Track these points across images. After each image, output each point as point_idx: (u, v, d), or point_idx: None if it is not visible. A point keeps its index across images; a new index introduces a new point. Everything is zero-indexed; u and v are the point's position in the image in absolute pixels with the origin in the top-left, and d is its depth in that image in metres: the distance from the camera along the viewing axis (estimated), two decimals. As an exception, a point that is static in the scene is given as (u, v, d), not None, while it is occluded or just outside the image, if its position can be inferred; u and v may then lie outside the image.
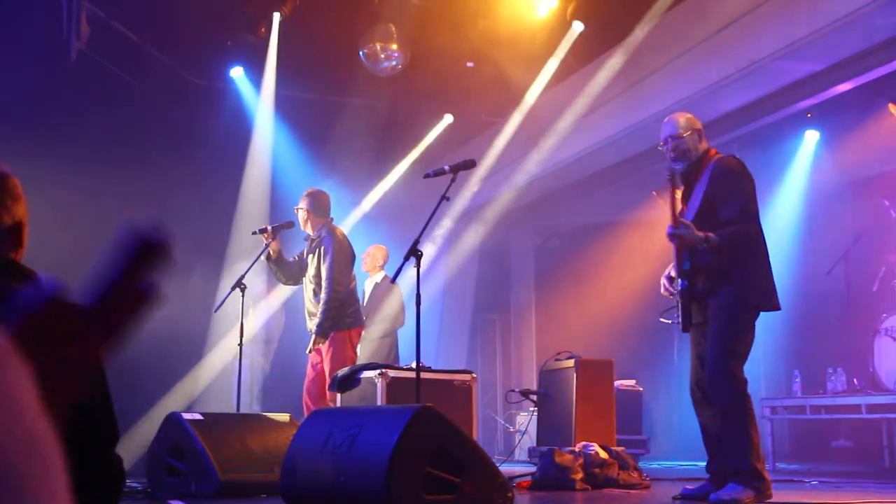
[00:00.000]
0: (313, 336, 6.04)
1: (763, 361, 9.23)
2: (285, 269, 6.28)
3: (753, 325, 4.30)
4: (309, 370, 6.21)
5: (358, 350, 8.09)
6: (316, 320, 6.04)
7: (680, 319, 4.42)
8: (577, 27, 8.15)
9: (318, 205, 6.23)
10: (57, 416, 0.62)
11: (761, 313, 4.35)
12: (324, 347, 6.05)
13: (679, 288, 4.35)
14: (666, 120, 4.56)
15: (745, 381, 4.21)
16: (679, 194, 4.53)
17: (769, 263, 4.37)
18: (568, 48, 8.43)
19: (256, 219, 8.60)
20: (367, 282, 8.41)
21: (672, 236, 4.25)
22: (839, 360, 7.75)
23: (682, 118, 4.53)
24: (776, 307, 4.35)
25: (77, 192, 8.00)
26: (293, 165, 9.53)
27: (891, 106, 7.54)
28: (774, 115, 7.77)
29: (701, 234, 4.17)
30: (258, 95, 9.08)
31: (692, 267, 4.32)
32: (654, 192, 9.79)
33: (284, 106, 9.27)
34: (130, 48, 8.02)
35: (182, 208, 9.09)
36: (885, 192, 8.03)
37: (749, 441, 4.11)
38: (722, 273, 4.26)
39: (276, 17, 7.95)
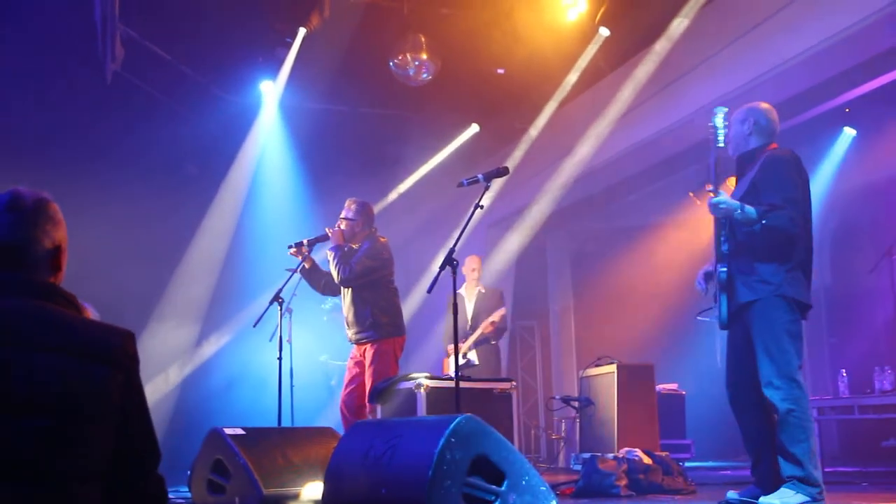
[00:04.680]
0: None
1: (808, 361, 9.07)
2: (320, 279, 6.28)
3: (800, 321, 4.15)
4: (346, 380, 6.12)
5: (476, 357, 7.98)
6: (354, 328, 6.04)
7: (719, 314, 4.25)
8: (604, 32, 8.10)
9: (366, 214, 6.28)
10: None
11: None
12: (367, 358, 6.02)
13: (718, 277, 4.20)
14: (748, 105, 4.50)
15: (802, 385, 4.04)
16: (732, 183, 4.46)
17: (809, 257, 4.24)
18: (598, 52, 8.39)
19: (289, 231, 8.65)
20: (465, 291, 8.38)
21: (712, 205, 4.14)
22: (886, 359, 7.59)
23: (765, 105, 4.49)
24: (808, 302, 4.19)
25: (115, 212, 8.11)
26: (317, 177, 9.58)
27: None
28: (811, 111, 7.65)
29: (737, 202, 4.09)
30: (288, 109, 9.20)
31: (730, 250, 4.21)
32: (690, 193, 9.69)
33: (312, 118, 9.33)
34: (164, 67, 8.12)
35: (220, 224, 9.20)
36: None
37: (807, 447, 3.98)
38: (758, 258, 4.13)
39: (301, 31, 8.00)
